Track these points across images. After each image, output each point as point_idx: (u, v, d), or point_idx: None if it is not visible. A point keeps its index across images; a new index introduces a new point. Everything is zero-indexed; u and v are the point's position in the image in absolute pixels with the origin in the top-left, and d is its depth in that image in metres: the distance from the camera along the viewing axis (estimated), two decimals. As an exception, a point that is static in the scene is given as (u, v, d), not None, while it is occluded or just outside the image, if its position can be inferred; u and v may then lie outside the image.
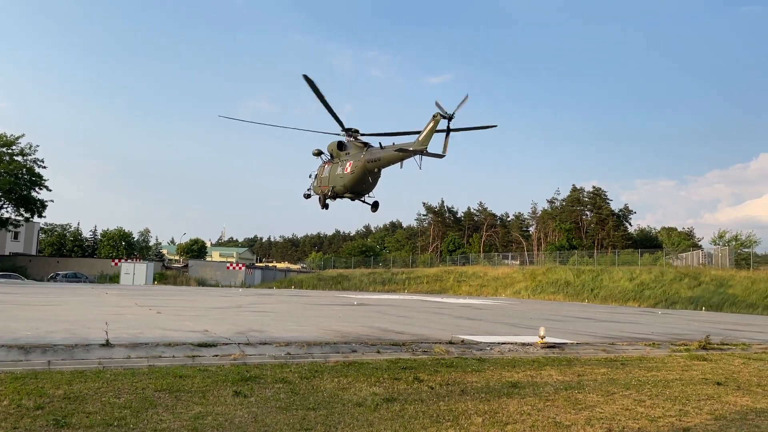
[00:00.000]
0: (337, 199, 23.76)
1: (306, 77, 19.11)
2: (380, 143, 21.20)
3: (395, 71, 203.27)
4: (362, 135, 22.03)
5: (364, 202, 23.11)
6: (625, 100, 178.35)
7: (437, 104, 18.24)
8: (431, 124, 18.62)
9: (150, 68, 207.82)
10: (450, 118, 18.27)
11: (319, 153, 24.10)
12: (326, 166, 23.52)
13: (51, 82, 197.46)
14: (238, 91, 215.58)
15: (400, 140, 20.30)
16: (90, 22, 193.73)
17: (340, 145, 22.84)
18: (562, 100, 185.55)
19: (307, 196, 24.92)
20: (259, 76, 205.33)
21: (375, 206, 23.06)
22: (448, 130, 18.50)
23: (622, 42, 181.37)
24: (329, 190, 22.90)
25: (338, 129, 22.09)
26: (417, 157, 19.48)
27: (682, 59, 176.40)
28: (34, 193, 64.13)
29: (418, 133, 18.99)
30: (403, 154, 19.74)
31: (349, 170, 21.86)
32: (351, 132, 22.12)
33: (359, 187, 22.15)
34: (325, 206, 23.97)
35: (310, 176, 24.91)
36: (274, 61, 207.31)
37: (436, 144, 19.17)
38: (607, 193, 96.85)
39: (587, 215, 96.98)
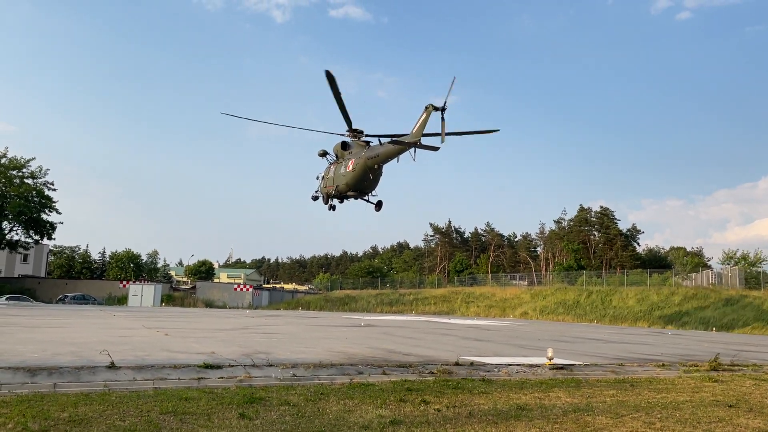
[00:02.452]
0: (345, 202, 24.17)
1: (328, 74, 19.52)
2: (380, 140, 21.68)
3: (400, 93, 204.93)
4: (366, 136, 22.51)
5: (368, 201, 23.44)
6: (632, 120, 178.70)
7: (431, 104, 18.81)
8: (423, 116, 19.14)
9: (158, 92, 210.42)
10: (443, 109, 18.74)
11: (324, 154, 24.62)
12: (331, 167, 24.06)
13: (61, 106, 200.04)
14: (246, 113, 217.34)
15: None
16: (99, 48, 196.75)
17: (344, 145, 23.39)
18: (568, 120, 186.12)
19: (315, 198, 25.32)
20: (267, 97, 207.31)
21: (379, 205, 23.37)
22: (443, 120, 19.02)
23: (627, 62, 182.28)
24: (333, 189, 23.29)
25: (343, 130, 22.66)
26: (412, 149, 20.02)
27: (688, 79, 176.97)
28: (44, 216, 64.59)
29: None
30: (399, 147, 20.17)
31: (350, 168, 22.32)
32: (355, 132, 22.64)
33: (361, 184, 22.55)
34: (331, 207, 24.38)
35: (317, 178, 25.34)
36: (281, 83, 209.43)
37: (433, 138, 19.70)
38: (614, 213, 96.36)
39: (595, 235, 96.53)
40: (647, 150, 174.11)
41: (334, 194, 23.71)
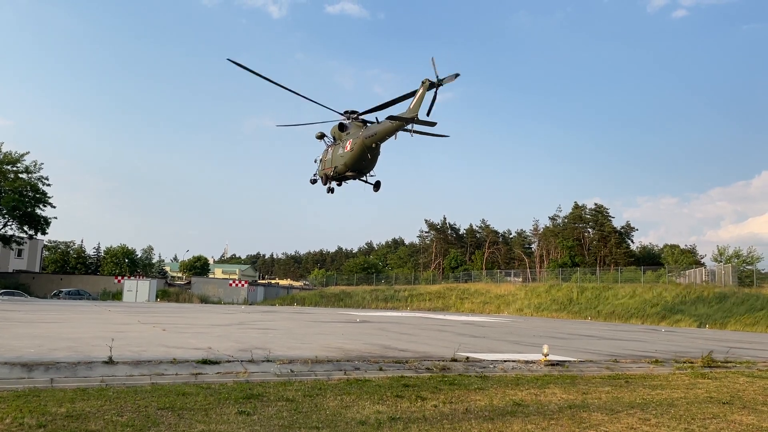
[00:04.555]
0: (343, 184, 24.31)
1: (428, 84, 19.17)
2: (377, 118, 21.73)
3: (397, 89, 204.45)
4: (361, 115, 22.61)
5: (366, 182, 23.56)
6: (627, 117, 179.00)
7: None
8: (420, 91, 19.16)
9: (154, 87, 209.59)
10: (438, 84, 18.76)
11: (321, 136, 24.78)
12: (329, 149, 24.16)
13: (56, 101, 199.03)
14: (242, 109, 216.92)
15: (396, 109, 20.72)
16: (94, 43, 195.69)
17: (342, 127, 23.54)
18: (564, 117, 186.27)
19: (313, 182, 25.43)
20: (263, 93, 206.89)
21: (377, 186, 23.48)
22: (434, 98, 19.03)
23: (623, 59, 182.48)
24: (332, 171, 23.40)
25: (333, 102, 22.86)
26: (409, 125, 20.09)
27: (683, 77, 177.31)
28: (38, 210, 64.31)
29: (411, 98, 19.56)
30: (397, 123, 20.15)
31: (348, 148, 22.41)
32: (351, 113, 22.78)
33: (359, 164, 22.62)
34: (329, 190, 24.53)
35: (315, 161, 25.41)
36: (278, 78, 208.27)
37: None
38: (608, 210, 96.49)
39: (589, 232, 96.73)
40: (642, 148, 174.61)
41: (332, 176, 23.85)
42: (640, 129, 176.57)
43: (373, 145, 21.86)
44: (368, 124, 22.46)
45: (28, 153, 63.56)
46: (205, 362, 10.00)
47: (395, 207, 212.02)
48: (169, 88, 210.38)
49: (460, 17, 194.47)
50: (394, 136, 21.05)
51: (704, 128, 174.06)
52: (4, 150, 62.32)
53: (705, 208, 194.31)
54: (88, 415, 6.19)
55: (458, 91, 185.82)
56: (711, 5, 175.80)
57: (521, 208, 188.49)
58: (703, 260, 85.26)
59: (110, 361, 9.46)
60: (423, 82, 19.06)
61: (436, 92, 18.97)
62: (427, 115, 19.21)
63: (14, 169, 62.50)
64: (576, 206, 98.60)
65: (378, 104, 21.28)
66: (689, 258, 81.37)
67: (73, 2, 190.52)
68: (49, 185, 64.81)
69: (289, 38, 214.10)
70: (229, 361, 10.36)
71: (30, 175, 63.42)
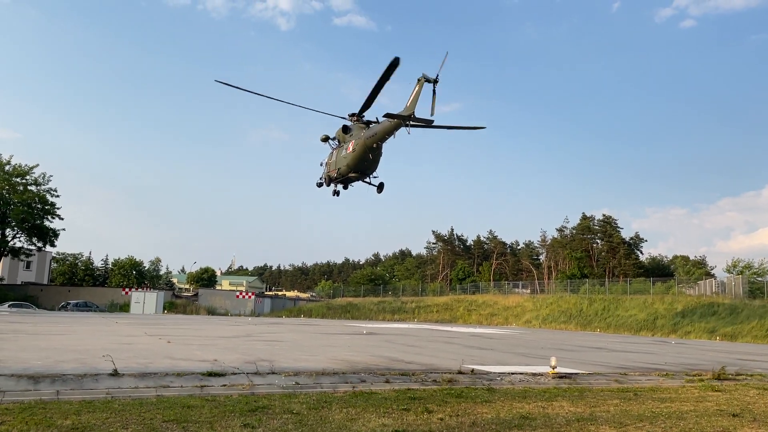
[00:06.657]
0: (348, 188, 24.61)
1: (396, 60, 19.48)
2: (377, 119, 22.07)
3: (403, 100, 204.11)
4: (366, 118, 22.92)
5: (369, 183, 23.91)
6: (635, 128, 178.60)
7: (423, 75, 18.80)
8: (416, 89, 19.41)
9: (161, 98, 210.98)
10: (435, 81, 18.99)
11: (326, 138, 25.27)
12: (334, 152, 24.61)
13: (66, 113, 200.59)
14: (249, 120, 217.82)
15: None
16: (103, 55, 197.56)
17: (345, 129, 24.00)
18: (571, 127, 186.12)
19: (319, 185, 25.85)
20: (270, 104, 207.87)
21: (380, 187, 23.84)
22: (434, 93, 18.97)
23: (632, 70, 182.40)
24: (336, 173, 23.81)
25: (341, 113, 23.18)
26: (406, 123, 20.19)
27: (691, 87, 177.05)
28: (46, 222, 64.71)
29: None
30: (395, 121, 20.41)
31: (350, 149, 22.78)
32: (356, 117, 23.13)
33: (362, 165, 22.99)
34: (335, 193, 24.93)
35: (321, 164, 25.82)
36: (285, 90, 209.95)
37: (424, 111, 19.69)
38: (617, 221, 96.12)
39: (598, 243, 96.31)
40: (651, 158, 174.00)
41: (336, 178, 24.28)
42: (649, 139, 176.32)
43: (375, 145, 22.27)
44: (370, 125, 22.88)
45: (37, 165, 64.14)
46: (211, 374, 9.98)
47: (402, 218, 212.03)
48: (177, 100, 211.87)
49: (467, 29, 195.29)
50: (393, 135, 21.41)
51: (713, 138, 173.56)
52: (14, 162, 62.99)
53: (714, 218, 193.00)
54: (93, 428, 6.19)
55: (466, 102, 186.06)
56: (719, 15, 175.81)
57: (529, 219, 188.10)
58: (713, 271, 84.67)
59: (116, 374, 9.47)
60: (419, 79, 19.35)
61: (434, 88, 19.20)
62: (431, 114, 19.41)
63: (23, 181, 63.03)
64: (584, 217, 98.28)
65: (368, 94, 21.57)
66: (700, 270, 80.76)
67: (83, 15, 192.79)
68: (57, 197, 65.36)
69: (296, 50, 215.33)
70: (235, 374, 10.35)
71: (39, 187, 63.95)
